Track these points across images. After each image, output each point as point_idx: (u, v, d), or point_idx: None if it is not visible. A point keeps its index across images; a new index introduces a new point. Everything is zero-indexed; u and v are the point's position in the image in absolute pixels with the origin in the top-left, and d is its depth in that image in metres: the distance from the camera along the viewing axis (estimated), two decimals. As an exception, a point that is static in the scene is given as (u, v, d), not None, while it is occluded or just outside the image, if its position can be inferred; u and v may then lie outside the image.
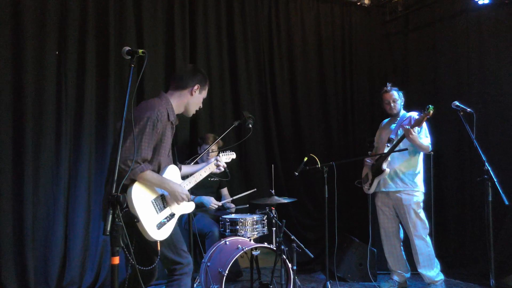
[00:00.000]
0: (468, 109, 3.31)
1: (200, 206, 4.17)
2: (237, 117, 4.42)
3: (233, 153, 3.33)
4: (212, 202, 4.08)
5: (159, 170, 2.48)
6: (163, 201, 2.47)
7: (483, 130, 4.22)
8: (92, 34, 4.05)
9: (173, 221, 2.49)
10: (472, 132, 3.21)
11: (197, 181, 2.78)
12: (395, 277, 4.09)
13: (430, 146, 3.86)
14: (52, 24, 3.88)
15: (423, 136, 3.85)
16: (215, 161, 2.93)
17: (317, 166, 3.81)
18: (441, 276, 3.91)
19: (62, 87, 3.91)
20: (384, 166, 3.91)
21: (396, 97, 4.02)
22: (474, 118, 3.25)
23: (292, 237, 3.60)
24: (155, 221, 2.36)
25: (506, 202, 3.02)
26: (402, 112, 4.05)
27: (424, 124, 3.85)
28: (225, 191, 4.47)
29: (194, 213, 4.11)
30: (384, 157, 3.88)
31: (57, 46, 3.91)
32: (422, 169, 3.98)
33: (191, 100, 2.62)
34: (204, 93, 2.71)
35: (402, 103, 4.06)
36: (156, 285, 3.95)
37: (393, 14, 5.55)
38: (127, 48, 2.04)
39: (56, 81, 3.90)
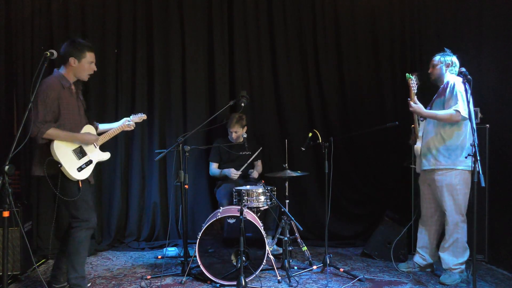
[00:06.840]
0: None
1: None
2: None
3: (144, 114, 3.67)
4: (232, 173, 4.44)
5: (77, 129, 3.11)
6: (81, 151, 3.12)
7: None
8: (141, 33, 4.85)
9: (91, 167, 3.17)
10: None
11: (111, 137, 3.38)
12: (417, 259, 3.83)
13: (455, 113, 3.35)
14: (111, 29, 4.79)
15: (456, 103, 3.36)
16: (127, 122, 3.45)
17: (318, 141, 3.89)
18: (462, 266, 3.56)
19: (118, 78, 4.81)
20: (418, 143, 3.69)
21: (436, 61, 3.61)
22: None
23: (283, 209, 3.76)
24: (76, 165, 3.05)
25: (483, 184, 2.80)
26: (449, 78, 3.55)
27: (460, 88, 3.36)
28: (258, 163, 4.74)
29: (219, 184, 4.56)
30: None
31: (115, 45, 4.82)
32: (464, 144, 3.45)
33: (75, 70, 3.10)
34: (86, 60, 3.09)
35: (448, 68, 3.57)
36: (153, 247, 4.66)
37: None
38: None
39: (115, 73, 4.82)
